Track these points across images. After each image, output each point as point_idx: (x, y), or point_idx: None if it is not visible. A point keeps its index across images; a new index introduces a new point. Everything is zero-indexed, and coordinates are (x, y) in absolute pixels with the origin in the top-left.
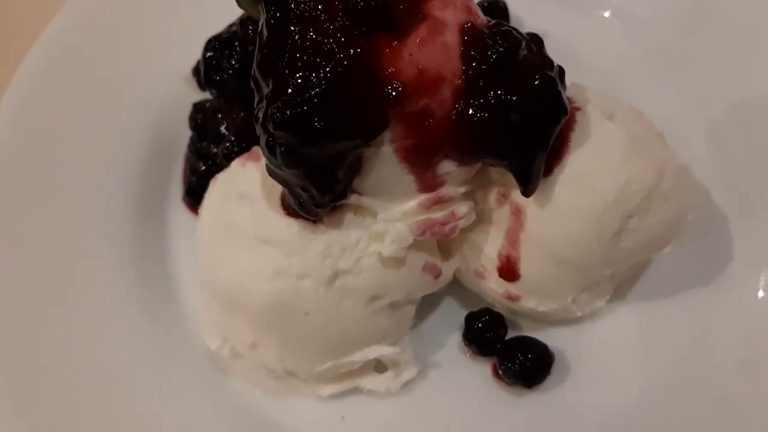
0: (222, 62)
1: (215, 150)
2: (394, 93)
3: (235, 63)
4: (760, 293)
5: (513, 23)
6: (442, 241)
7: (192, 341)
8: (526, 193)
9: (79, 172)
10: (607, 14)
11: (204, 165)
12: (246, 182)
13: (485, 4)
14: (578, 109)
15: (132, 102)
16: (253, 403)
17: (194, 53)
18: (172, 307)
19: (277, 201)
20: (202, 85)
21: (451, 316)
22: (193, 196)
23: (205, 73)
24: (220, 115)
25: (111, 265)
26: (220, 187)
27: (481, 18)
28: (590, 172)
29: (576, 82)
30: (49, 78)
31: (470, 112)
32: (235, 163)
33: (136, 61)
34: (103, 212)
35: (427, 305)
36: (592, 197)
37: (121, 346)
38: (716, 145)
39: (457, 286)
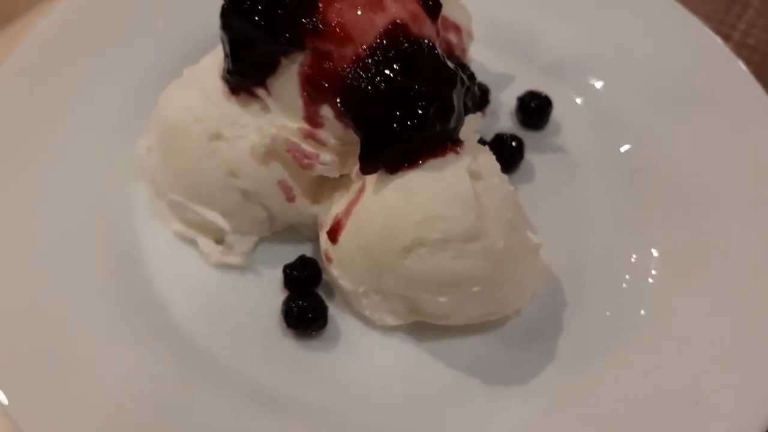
0: None
1: None
2: (310, 25)
3: None
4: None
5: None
6: (315, 186)
7: None
8: (361, 168)
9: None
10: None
11: None
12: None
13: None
14: (456, 152)
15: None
16: (125, 217)
17: None
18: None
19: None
20: None
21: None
22: None
23: None
24: None
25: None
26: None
27: (422, 30)
28: (417, 191)
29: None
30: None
31: (354, 74)
32: None
33: None
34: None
35: (293, 241)
36: (404, 208)
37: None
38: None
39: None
